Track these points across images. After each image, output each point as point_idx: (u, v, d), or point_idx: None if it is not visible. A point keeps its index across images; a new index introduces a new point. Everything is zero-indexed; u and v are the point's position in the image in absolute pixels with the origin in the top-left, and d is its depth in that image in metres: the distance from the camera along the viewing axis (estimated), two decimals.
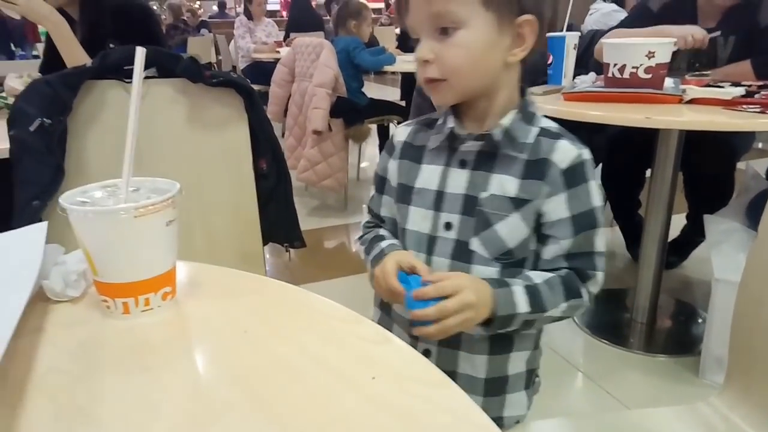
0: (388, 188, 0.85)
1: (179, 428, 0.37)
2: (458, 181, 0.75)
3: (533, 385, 0.87)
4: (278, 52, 4.65)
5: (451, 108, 0.77)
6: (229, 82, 1.13)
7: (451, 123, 0.76)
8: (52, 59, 1.95)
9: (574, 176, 0.72)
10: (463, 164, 0.75)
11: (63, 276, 0.54)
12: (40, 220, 1.10)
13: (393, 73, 5.12)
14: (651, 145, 1.76)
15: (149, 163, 1.12)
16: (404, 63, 3.16)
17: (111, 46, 1.75)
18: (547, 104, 1.63)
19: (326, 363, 0.44)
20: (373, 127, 3.28)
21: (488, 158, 0.74)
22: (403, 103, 3.30)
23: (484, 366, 0.80)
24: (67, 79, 1.07)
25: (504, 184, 0.72)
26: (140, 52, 0.52)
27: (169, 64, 1.11)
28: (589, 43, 2.13)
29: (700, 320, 1.96)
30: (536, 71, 1.96)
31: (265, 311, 0.53)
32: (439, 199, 0.76)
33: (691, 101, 1.46)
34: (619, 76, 1.54)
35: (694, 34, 1.66)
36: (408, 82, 3.32)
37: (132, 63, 1.16)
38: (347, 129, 2.97)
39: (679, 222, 2.11)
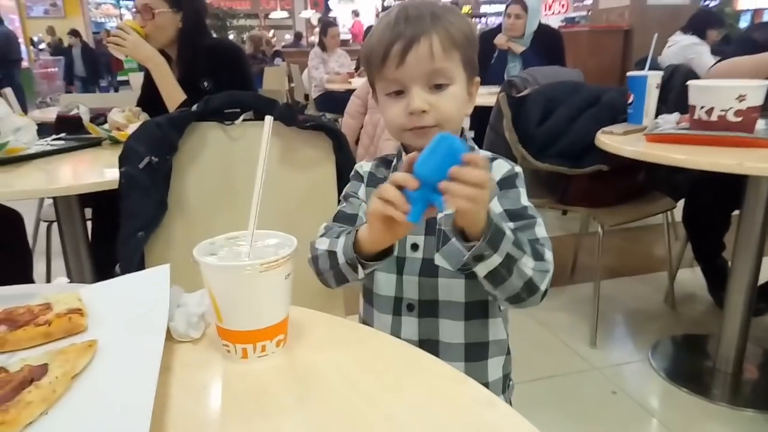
0: (353, 202, 0.90)
1: None
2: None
3: (509, 389, 0.93)
4: (350, 82, 4.79)
5: (402, 145, 0.87)
6: (320, 126, 1.20)
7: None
8: (149, 93, 2.11)
9: (505, 183, 0.83)
10: None
11: (186, 318, 0.60)
12: (142, 250, 1.20)
13: None
14: (737, 186, 1.70)
15: (244, 200, 1.21)
16: (478, 96, 3.18)
17: (205, 84, 1.88)
18: (627, 145, 1.61)
19: (432, 421, 0.46)
20: None
21: None
22: (472, 133, 3.32)
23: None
24: (175, 121, 1.17)
25: None
26: (268, 121, 0.57)
27: (266, 109, 1.19)
28: (669, 78, 2.08)
29: None
30: (615, 110, 1.94)
31: (371, 362, 0.56)
32: None
33: None
34: (707, 118, 1.50)
35: None
36: (480, 114, 3.33)
37: (231, 107, 1.25)
38: None
39: (766, 265, 2.01)
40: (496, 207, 0.80)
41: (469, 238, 0.68)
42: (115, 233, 1.20)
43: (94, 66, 11.36)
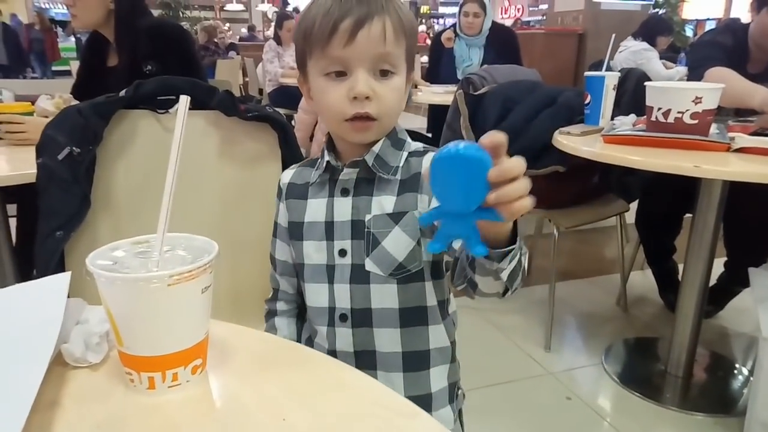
0: (280, 232, 0.88)
1: None
2: (343, 208, 0.79)
3: (457, 399, 0.88)
4: None
5: (327, 143, 0.82)
6: (265, 117, 1.10)
7: (327, 157, 0.80)
8: (85, 80, 1.95)
9: None
10: (345, 192, 0.79)
11: (84, 337, 0.50)
12: (62, 252, 1.07)
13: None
14: (689, 189, 1.69)
15: (177, 196, 1.10)
16: (433, 94, 3.13)
17: (149, 67, 1.74)
18: (584, 146, 1.58)
19: None
20: None
21: (367, 183, 0.79)
22: (429, 135, 3.27)
23: (401, 385, 0.81)
24: (99, 108, 1.05)
25: (383, 203, 0.77)
26: (184, 101, 0.48)
27: (204, 97, 1.08)
28: (622, 82, 2.08)
29: (740, 377, 1.86)
30: (572, 110, 1.92)
31: (305, 392, 0.47)
32: (329, 229, 0.80)
33: (740, 150, 1.39)
34: (663, 120, 1.48)
35: None
36: (436, 114, 3.30)
37: (165, 94, 1.14)
38: None
39: (715, 268, 2.03)
40: None
41: (495, 240, 0.58)
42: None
43: (18, 52, 9.80)
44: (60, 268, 1.06)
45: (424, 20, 16.20)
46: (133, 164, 1.10)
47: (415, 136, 1.00)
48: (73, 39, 10.98)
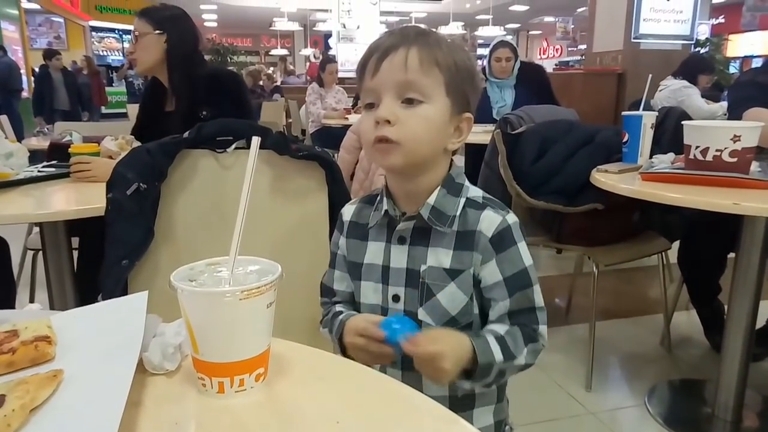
0: (339, 262, 0.90)
1: None
2: (399, 256, 0.81)
3: None
4: (347, 118, 4.83)
5: (385, 189, 0.83)
6: (314, 156, 1.18)
7: (385, 205, 0.82)
8: (145, 123, 2.10)
9: (501, 242, 0.78)
10: (402, 240, 0.81)
11: (161, 348, 0.56)
12: (126, 279, 1.16)
13: None
14: (732, 228, 1.68)
15: (233, 229, 1.18)
16: (471, 134, 3.20)
17: (204, 113, 1.87)
18: (622, 183, 1.60)
19: None
20: None
21: (423, 233, 0.80)
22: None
23: None
24: (165, 147, 1.15)
25: (439, 256, 0.79)
26: (255, 142, 0.55)
27: (259, 137, 1.17)
28: (662, 120, 2.10)
29: None
30: (610, 149, 1.94)
31: (357, 400, 0.52)
32: (385, 274, 0.83)
33: None
34: (702, 158, 1.49)
35: None
36: (474, 153, 3.37)
37: (224, 135, 1.24)
38: None
39: (764, 309, 1.98)
40: (495, 275, 0.78)
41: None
42: (101, 264, 1.16)
43: (78, 97, 9.64)
44: (124, 293, 1.15)
45: None
46: (193, 199, 1.19)
47: None
48: (124, 83, 11.46)
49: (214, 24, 18.48)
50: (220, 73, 2.04)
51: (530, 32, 21.45)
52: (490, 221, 0.78)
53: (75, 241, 1.90)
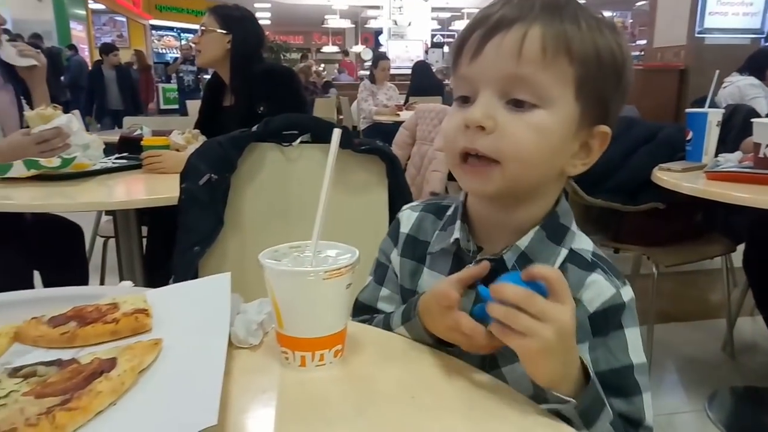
0: (390, 280, 0.72)
1: None
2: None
3: None
4: (398, 114, 4.86)
5: (462, 208, 0.64)
6: (374, 150, 1.21)
7: (457, 232, 0.62)
8: (207, 115, 2.19)
9: (605, 322, 0.57)
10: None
11: (245, 324, 0.60)
12: (197, 265, 1.23)
13: None
14: None
15: (297, 218, 1.23)
16: None
17: (261, 108, 1.94)
18: (686, 182, 1.56)
19: None
20: None
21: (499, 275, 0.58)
22: None
23: None
24: (236, 140, 1.21)
25: None
26: (336, 134, 0.58)
27: (323, 131, 1.22)
28: (729, 118, 2.02)
29: None
30: (672, 147, 1.89)
31: (430, 378, 0.55)
32: None
33: None
34: None
35: None
36: None
37: (290, 129, 1.28)
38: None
39: None
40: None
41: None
42: (166, 253, 1.23)
43: (132, 96, 8.81)
44: (194, 278, 1.22)
45: None
46: (259, 190, 1.24)
47: None
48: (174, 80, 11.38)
49: (268, 22, 18.89)
50: (276, 69, 2.11)
51: None
52: (597, 291, 0.58)
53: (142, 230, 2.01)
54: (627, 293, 0.59)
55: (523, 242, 0.59)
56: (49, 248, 1.80)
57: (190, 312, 0.61)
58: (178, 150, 1.83)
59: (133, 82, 9.23)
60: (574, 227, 0.62)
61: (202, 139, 1.89)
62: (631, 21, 15.85)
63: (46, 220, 1.82)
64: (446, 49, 12.66)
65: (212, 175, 1.19)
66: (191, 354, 0.51)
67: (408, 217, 0.71)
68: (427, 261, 0.67)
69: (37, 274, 1.77)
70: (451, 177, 2.96)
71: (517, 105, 0.55)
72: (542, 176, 0.58)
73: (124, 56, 10.63)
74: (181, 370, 0.49)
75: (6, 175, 1.47)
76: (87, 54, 11.34)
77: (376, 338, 0.63)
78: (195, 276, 1.22)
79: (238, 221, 1.23)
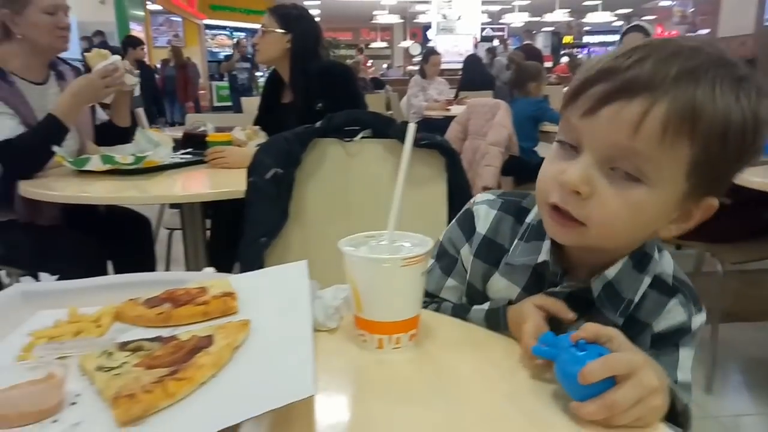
0: (458, 272, 0.72)
1: None
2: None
3: None
4: (449, 110, 4.85)
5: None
6: (434, 144, 1.23)
7: (545, 253, 0.62)
8: (266, 112, 2.26)
9: (665, 340, 0.59)
10: None
11: (323, 309, 0.64)
12: (263, 255, 1.28)
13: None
14: None
15: (358, 212, 1.26)
16: None
17: (320, 105, 1.98)
18: (755, 176, 1.51)
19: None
20: None
21: (576, 303, 0.60)
22: None
23: None
24: (300, 136, 1.25)
25: None
26: (412, 128, 0.60)
27: (384, 127, 1.25)
28: None
29: None
30: None
31: (502, 362, 0.57)
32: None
33: None
34: None
35: None
36: None
37: (351, 125, 1.32)
38: (517, 187, 3.00)
39: None
40: None
41: None
42: (229, 244, 1.28)
43: (155, 95, 8.62)
44: (261, 267, 1.27)
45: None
46: (322, 184, 1.29)
47: None
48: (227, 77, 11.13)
49: (317, 19, 19.09)
50: (333, 67, 2.15)
51: (643, 17, 20.18)
52: (671, 318, 0.60)
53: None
54: (697, 321, 0.60)
55: (611, 272, 0.60)
56: (121, 239, 1.91)
57: (272, 296, 0.65)
58: (239, 146, 1.90)
59: (155, 81, 8.90)
60: (656, 254, 0.62)
61: (262, 134, 1.96)
62: (692, 10, 15.17)
63: (117, 213, 1.93)
64: (495, 42, 12.47)
65: (278, 169, 1.24)
66: (279, 333, 0.55)
67: (486, 214, 0.69)
68: (501, 266, 0.67)
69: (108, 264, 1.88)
70: (504, 172, 2.94)
71: (621, 176, 0.52)
72: (630, 237, 0.58)
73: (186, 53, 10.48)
74: (271, 346, 0.52)
75: (83, 168, 1.58)
76: (145, 53, 11.72)
77: (448, 325, 0.66)
78: (261, 266, 1.27)
79: (302, 214, 1.28)
